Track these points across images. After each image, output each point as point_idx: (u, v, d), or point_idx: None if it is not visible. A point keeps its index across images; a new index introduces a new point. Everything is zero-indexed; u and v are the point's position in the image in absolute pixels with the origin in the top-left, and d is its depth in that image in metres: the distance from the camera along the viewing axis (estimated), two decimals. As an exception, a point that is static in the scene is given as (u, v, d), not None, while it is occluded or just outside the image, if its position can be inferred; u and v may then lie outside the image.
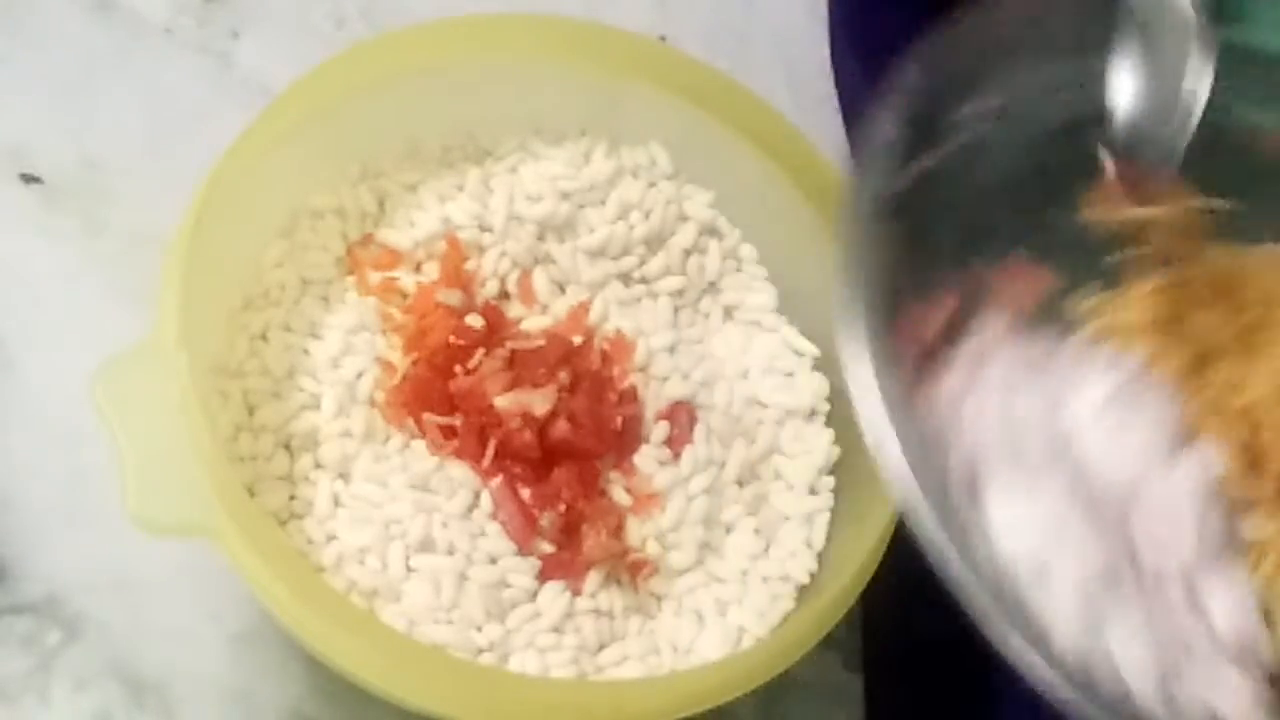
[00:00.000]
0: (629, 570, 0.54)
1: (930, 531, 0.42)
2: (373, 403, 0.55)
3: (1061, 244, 0.50)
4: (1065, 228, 0.50)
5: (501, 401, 0.55)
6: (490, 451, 0.54)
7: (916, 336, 0.47)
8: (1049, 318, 0.49)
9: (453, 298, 0.57)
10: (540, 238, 0.59)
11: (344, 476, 0.53)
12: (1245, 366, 0.47)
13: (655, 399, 0.57)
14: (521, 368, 0.56)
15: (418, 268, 0.58)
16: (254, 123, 0.54)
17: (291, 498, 0.53)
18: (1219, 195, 0.50)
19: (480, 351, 0.56)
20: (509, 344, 0.56)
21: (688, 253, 0.60)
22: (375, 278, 0.57)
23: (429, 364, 0.55)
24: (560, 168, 0.60)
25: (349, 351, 0.55)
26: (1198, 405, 0.47)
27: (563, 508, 0.54)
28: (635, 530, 0.55)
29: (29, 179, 0.62)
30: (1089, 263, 0.49)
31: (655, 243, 0.60)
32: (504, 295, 0.58)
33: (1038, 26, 0.51)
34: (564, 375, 0.55)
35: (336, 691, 0.53)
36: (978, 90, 0.50)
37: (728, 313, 0.61)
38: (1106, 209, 0.50)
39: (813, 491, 0.58)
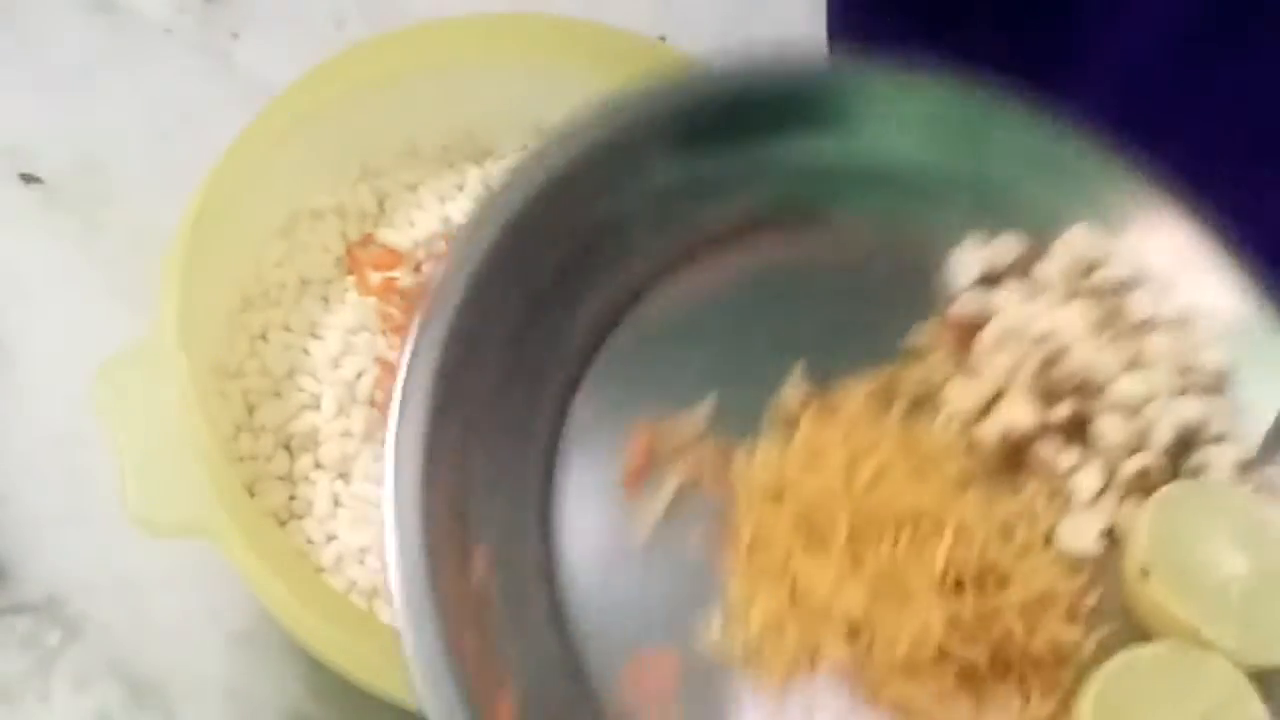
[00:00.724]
0: (629, 570, 0.54)
1: None
2: (373, 403, 0.55)
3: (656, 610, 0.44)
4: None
5: (501, 401, 0.55)
6: (490, 451, 0.54)
7: None
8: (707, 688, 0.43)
9: (453, 298, 0.57)
10: (540, 238, 0.59)
11: (344, 476, 0.53)
12: (894, 617, 0.43)
13: (655, 399, 0.57)
14: (521, 368, 0.56)
15: (418, 268, 0.58)
16: (254, 123, 0.54)
17: (291, 498, 0.53)
18: None
19: (480, 351, 0.56)
20: (509, 344, 0.56)
21: (688, 253, 0.60)
22: (375, 278, 0.57)
23: (429, 364, 0.55)
24: (560, 168, 0.60)
25: (349, 351, 0.55)
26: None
27: (563, 508, 0.54)
28: (635, 530, 0.55)
29: (29, 179, 0.62)
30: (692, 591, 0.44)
31: (655, 243, 0.60)
32: (504, 295, 0.58)
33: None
34: (564, 375, 0.55)
35: (336, 691, 0.53)
36: None
37: (728, 313, 0.61)
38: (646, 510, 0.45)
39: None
